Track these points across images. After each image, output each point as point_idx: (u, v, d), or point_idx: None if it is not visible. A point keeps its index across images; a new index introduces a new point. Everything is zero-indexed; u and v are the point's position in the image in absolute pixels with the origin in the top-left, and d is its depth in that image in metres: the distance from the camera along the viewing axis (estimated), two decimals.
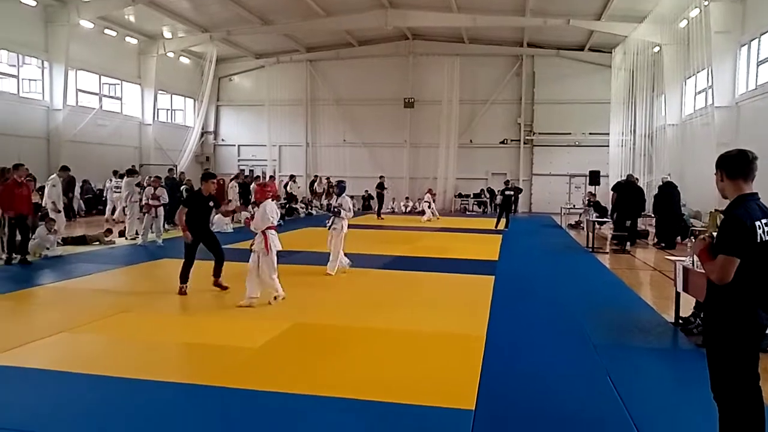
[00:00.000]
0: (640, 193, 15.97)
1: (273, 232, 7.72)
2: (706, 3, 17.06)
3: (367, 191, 29.50)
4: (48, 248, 11.63)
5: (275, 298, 7.75)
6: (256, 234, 7.69)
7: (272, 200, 7.98)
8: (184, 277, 8.42)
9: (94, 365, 5.23)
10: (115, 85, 27.18)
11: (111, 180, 20.62)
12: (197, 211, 8.59)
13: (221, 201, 23.22)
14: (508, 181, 21.51)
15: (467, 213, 28.73)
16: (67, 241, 13.13)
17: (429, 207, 23.16)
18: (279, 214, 8.00)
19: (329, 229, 10.20)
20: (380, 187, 24.73)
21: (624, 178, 17.25)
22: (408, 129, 30.75)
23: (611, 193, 16.24)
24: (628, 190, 15.45)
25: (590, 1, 22.15)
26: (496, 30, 27.44)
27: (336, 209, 10.20)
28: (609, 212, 16.33)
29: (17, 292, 8.43)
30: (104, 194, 21.79)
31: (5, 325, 6.87)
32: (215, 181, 9.22)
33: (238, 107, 33.38)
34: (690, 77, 20.54)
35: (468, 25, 25.83)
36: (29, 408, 4.35)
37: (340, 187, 10.67)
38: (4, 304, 7.87)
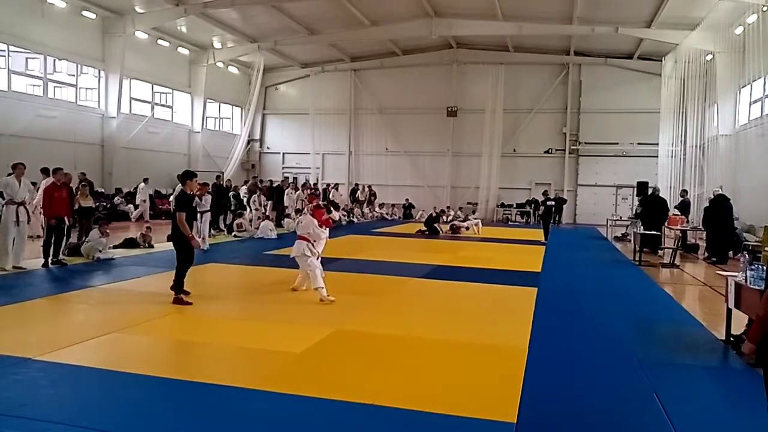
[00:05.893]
0: (662, 203, 16.48)
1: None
2: (765, 8, 16.47)
3: (407, 200, 29.54)
4: (100, 250, 11.99)
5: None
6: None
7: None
8: (180, 285, 8.00)
9: (141, 365, 5.39)
10: (166, 93, 28.09)
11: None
12: (191, 215, 8.26)
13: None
14: (546, 191, 21.16)
15: (509, 223, 28.39)
16: (117, 245, 13.58)
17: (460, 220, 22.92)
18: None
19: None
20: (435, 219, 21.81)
21: (650, 191, 17.62)
22: (450, 138, 30.65)
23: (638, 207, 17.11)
24: (650, 202, 16.26)
25: (640, 9, 21.69)
26: (541, 38, 27.16)
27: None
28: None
29: (70, 293, 8.73)
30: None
31: (58, 324, 7.17)
32: (196, 179, 8.62)
33: (283, 116, 33.98)
34: (745, 86, 19.84)
35: (513, 33, 25.64)
36: (79, 404, 4.52)
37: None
38: (58, 304, 8.20)
